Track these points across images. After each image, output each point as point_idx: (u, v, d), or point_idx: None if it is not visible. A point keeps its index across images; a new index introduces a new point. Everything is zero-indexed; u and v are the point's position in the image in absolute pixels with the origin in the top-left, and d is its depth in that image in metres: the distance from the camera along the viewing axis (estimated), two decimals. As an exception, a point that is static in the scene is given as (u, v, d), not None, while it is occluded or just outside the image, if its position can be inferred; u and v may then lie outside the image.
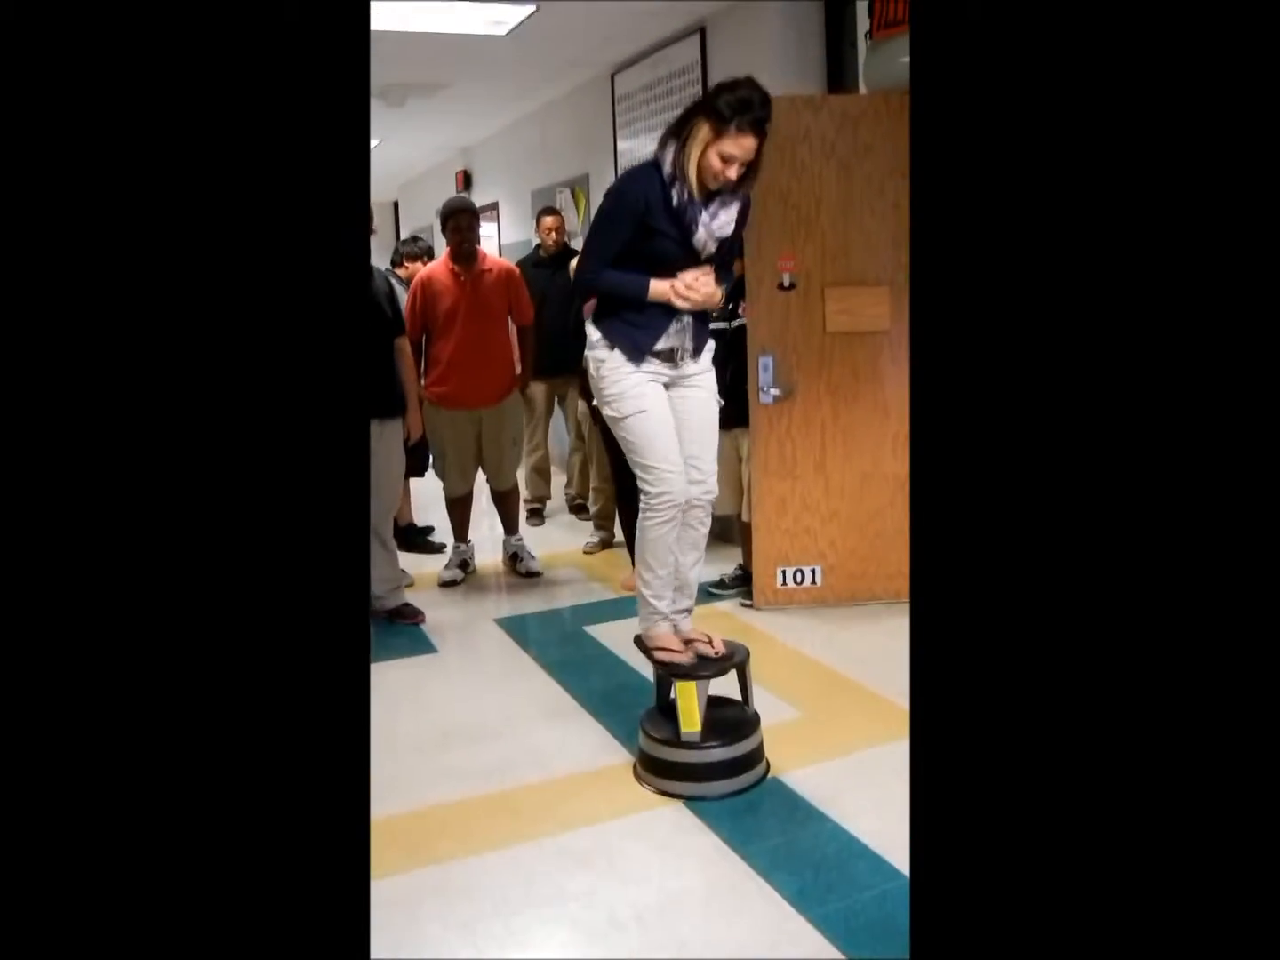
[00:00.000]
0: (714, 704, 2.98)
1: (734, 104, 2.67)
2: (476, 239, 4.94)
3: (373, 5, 4.78)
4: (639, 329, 2.85)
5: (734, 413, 4.51)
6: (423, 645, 4.27)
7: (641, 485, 2.91)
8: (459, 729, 3.42)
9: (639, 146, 6.18)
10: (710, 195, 2.79)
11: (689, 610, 3.10)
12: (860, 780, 2.90)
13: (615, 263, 2.85)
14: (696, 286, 2.79)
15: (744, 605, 4.52)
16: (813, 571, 4.45)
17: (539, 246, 5.96)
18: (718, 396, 3.03)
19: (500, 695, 3.70)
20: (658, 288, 2.79)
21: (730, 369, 4.50)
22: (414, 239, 6.14)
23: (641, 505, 2.92)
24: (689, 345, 2.91)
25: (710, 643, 3.04)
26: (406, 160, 10.54)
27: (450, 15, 5.16)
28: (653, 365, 2.88)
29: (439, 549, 5.59)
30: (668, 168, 2.76)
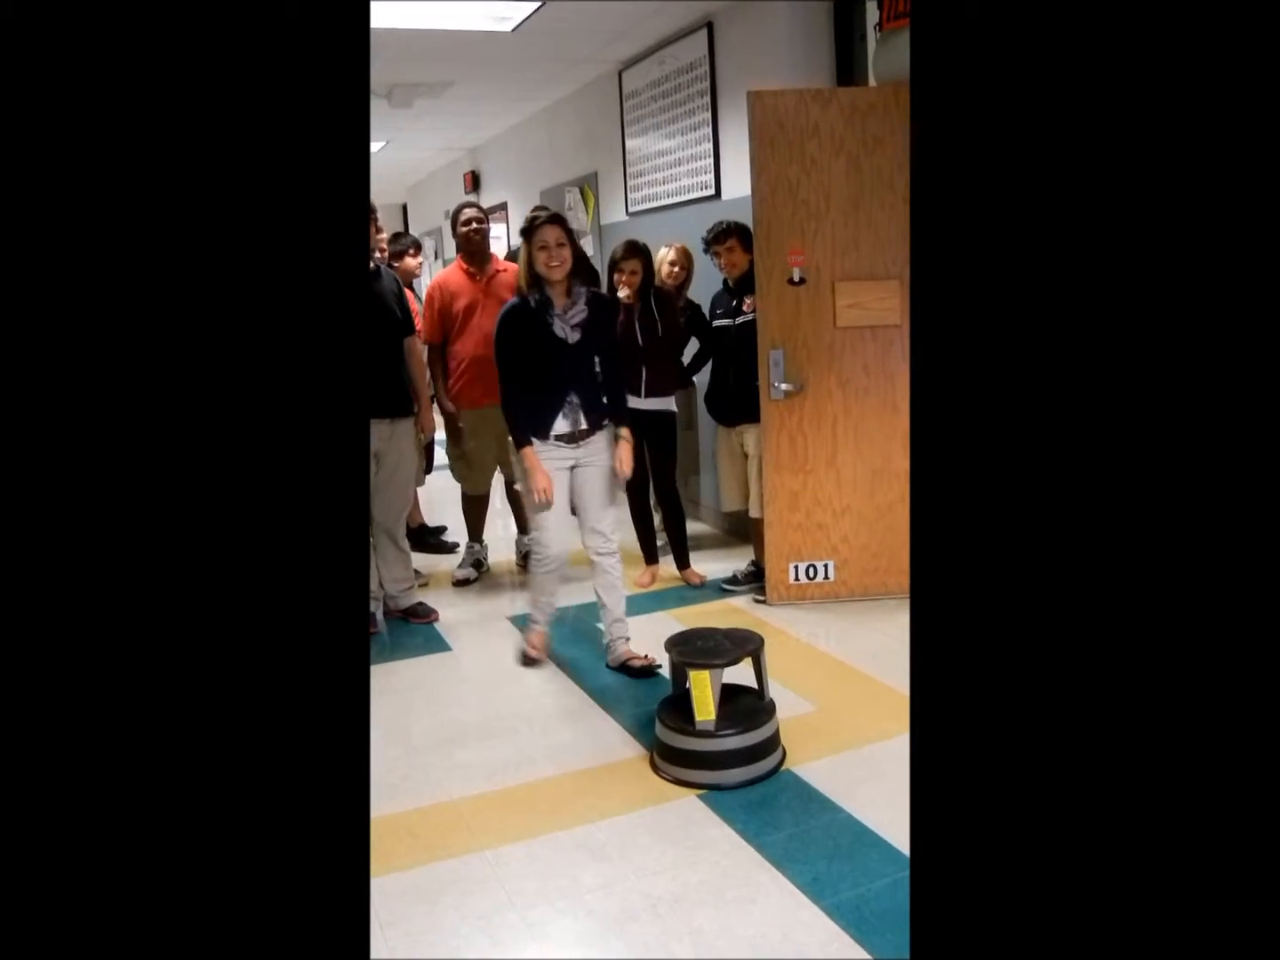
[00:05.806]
0: (730, 693, 3.00)
1: (528, 219, 3.66)
2: (487, 236, 4.94)
3: (374, 3, 4.78)
4: (538, 411, 3.71)
5: (738, 409, 4.54)
6: (437, 644, 4.29)
7: (533, 538, 3.90)
8: (474, 726, 3.44)
9: (647, 144, 6.18)
10: (566, 299, 3.66)
11: (625, 637, 3.89)
12: (873, 772, 2.91)
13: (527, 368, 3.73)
14: (539, 484, 3.66)
15: (757, 601, 4.52)
16: (825, 566, 4.45)
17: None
18: (611, 470, 3.81)
19: (514, 692, 3.72)
20: (530, 460, 3.69)
21: (735, 365, 4.52)
22: (396, 236, 5.89)
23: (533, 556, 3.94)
24: (583, 423, 3.73)
25: (645, 659, 3.80)
26: (414, 162, 10.57)
27: (453, 11, 5.10)
28: (558, 449, 3.72)
29: (452, 549, 5.61)
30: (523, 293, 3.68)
